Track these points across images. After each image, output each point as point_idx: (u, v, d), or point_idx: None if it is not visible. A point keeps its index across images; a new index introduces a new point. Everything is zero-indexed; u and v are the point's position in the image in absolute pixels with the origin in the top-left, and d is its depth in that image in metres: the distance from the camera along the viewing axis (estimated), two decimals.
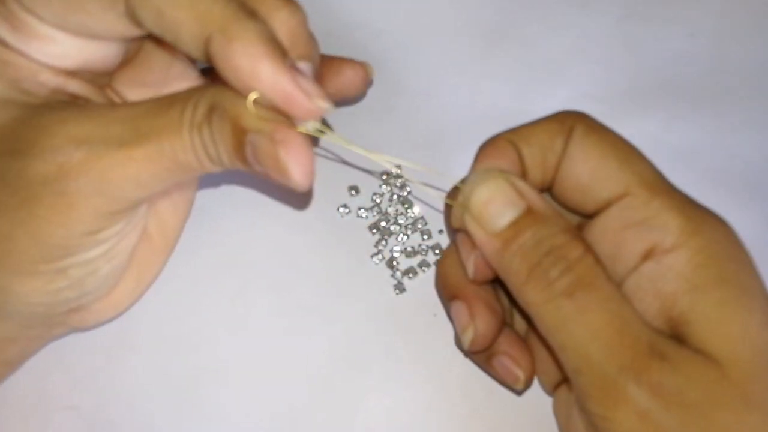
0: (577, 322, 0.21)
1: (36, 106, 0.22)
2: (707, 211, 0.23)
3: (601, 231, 0.24)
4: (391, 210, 0.33)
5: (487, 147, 0.26)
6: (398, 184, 0.33)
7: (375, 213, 0.33)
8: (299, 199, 0.30)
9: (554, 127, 0.25)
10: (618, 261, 0.24)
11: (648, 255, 0.23)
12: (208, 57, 0.20)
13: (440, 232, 0.33)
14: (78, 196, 0.21)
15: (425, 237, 0.33)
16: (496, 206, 0.23)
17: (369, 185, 0.33)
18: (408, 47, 0.37)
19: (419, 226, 0.33)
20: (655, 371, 0.20)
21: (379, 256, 0.33)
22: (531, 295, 0.22)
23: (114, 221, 0.23)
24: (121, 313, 0.29)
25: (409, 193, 0.33)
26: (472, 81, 0.36)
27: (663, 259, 0.22)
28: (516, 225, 0.23)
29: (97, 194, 0.21)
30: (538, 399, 0.29)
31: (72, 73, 0.24)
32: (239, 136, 0.20)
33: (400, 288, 0.32)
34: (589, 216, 0.25)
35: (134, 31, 0.22)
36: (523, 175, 0.25)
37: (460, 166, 0.31)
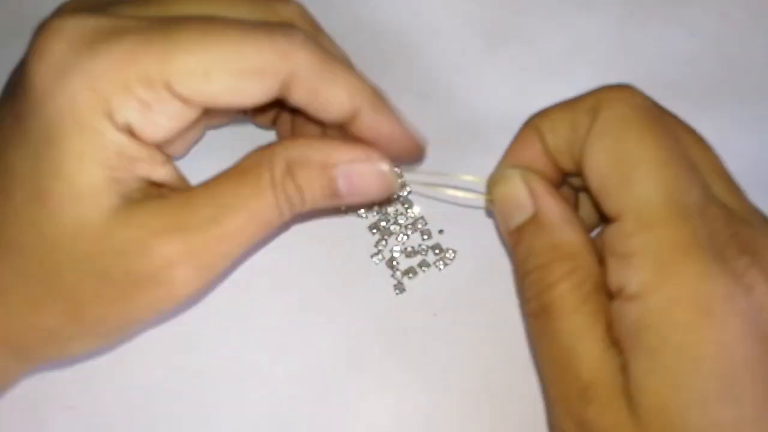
0: (538, 342, 0.23)
1: (126, 197, 0.23)
2: (691, 264, 0.20)
3: (601, 243, 0.23)
4: (391, 210, 0.33)
5: (517, 135, 0.25)
6: (398, 185, 0.33)
7: (375, 213, 0.33)
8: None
9: (578, 117, 0.23)
10: (608, 279, 0.22)
11: (618, 294, 0.21)
12: (345, 122, 0.25)
13: (440, 232, 0.33)
14: (180, 283, 0.23)
15: (425, 237, 0.33)
16: (509, 207, 0.24)
17: None
18: (408, 47, 0.37)
19: (419, 226, 0.33)
20: (583, 411, 0.21)
21: (379, 256, 0.33)
22: (522, 299, 0.23)
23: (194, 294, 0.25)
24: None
25: (409, 193, 0.33)
26: (472, 81, 0.36)
27: (624, 305, 0.21)
28: (520, 230, 0.23)
29: (197, 277, 0.23)
30: (538, 399, 0.29)
31: (163, 160, 0.24)
32: (330, 174, 0.24)
33: (400, 288, 0.32)
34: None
35: (263, 103, 0.24)
36: (550, 165, 0.24)
37: (460, 166, 0.32)
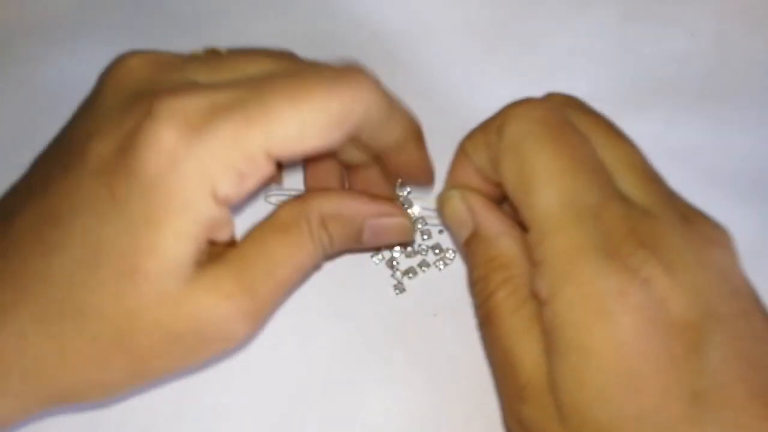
0: (486, 349, 0.25)
1: (198, 262, 0.23)
2: (585, 266, 0.21)
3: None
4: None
5: (453, 158, 0.28)
6: (398, 184, 0.33)
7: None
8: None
9: (490, 138, 0.25)
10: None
11: (535, 297, 0.23)
12: (392, 158, 0.28)
13: (440, 232, 0.33)
14: (241, 337, 0.25)
15: (425, 237, 0.33)
16: (454, 226, 0.27)
17: None
18: (408, 47, 0.37)
19: (419, 226, 0.33)
20: (520, 411, 0.23)
21: (379, 256, 0.33)
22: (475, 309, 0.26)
23: None
24: None
25: (409, 193, 0.33)
26: (472, 81, 0.36)
27: (542, 309, 0.22)
28: (466, 245, 0.26)
29: (253, 329, 0.25)
30: None
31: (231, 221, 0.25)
32: (357, 227, 0.27)
33: (400, 288, 0.32)
34: None
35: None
36: (484, 182, 0.26)
37: None
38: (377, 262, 0.32)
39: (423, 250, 0.33)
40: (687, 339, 0.20)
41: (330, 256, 0.27)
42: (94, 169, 0.23)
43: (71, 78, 0.38)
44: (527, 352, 0.23)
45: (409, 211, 0.33)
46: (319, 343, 0.31)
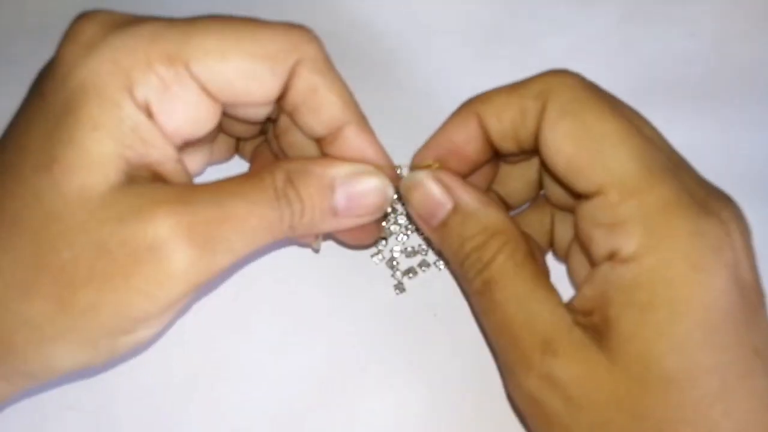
0: (488, 316, 0.24)
1: (131, 177, 0.23)
2: (685, 222, 0.21)
3: (580, 218, 0.24)
4: (391, 210, 0.33)
5: (453, 118, 0.26)
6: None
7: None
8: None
9: (526, 103, 0.24)
10: (589, 252, 0.24)
11: (609, 257, 0.22)
12: (330, 137, 0.26)
13: None
14: (177, 261, 0.22)
15: (424, 238, 0.33)
16: (428, 208, 0.26)
17: None
18: (408, 47, 0.37)
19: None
20: (544, 365, 0.22)
21: (379, 256, 0.33)
22: (462, 285, 0.25)
23: (192, 294, 0.24)
24: None
25: None
26: (472, 81, 0.36)
27: (618, 267, 0.22)
28: (445, 225, 0.25)
29: (194, 258, 0.22)
30: None
31: (175, 150, 0.24)
32: (329, 185, 0.25)
33: (400, 288, 0.32)
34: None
35: (270, 103, 0.25)
36: (481, 146, 0.26)
37: None
38: (377, 262, 0.32)
39: (423, 250, 0.33)
40: (753, 299, 0.22)
41: (300, 227, 0.25)
42: (34, 85, 0.24)
43: None
44: (541, 308, 0.23)
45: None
46: (320, 343, 0.31)
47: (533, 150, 0.25)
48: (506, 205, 0.30)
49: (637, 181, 0.22)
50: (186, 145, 0.25)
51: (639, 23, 0.38)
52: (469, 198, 0.25)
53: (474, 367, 0.30)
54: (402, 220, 0.33)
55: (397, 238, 0.33)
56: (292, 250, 0.32)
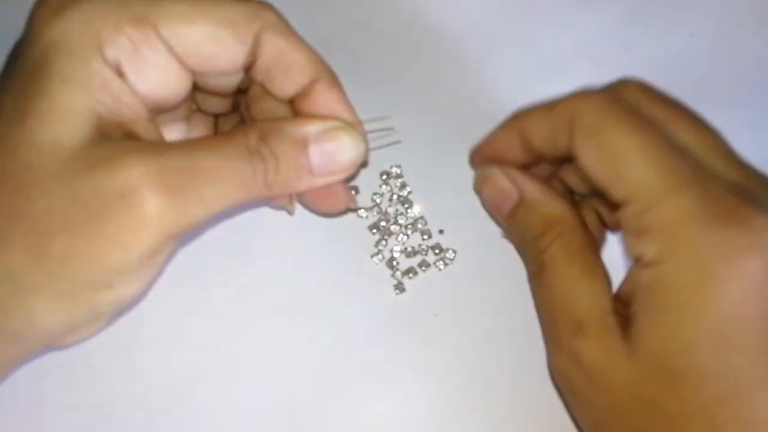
0: (537, 297, 0.27)
1: (104, 133, 0.23)
2: (695, 231, 0.22)
3: (621, 221, 0.25)
4: (391, 210, 0.33)
5: (502, 128, 0.29)
6: (398, 184, 0.33)
7: (375, 213, 0.33)
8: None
9: (556, 122, 0.26)
10: (626, 250, 0.25)
11: (636, 260, 0.24)
12: (301, 96, 0.27)
13: (440, 232, 0.33)
14: (149, 208, 0.22)
15: (425, 237, 0.33)
16: (498, 199, 0.29)
17: (369, 185, 0.34)
18: (408, 47, 0.37)
19: (419, 226, 0.33)
20: (574, 344, 0.24)
21: (379, 256, 0.33)
22: (526, 267, 0.28)
23: (168, 246, 0.24)
24: (96, 334, 0.28)
25: (409, 193, 0.33)
26: (472, 81, 0.36)
27: (641, 270, 0.24)
28: (512, 214, 0.28)
29: (167, 206, 0.22)
30: (538, 400, 0.29)
31: (148, 113, 0.25)
32: (302, 142, 0.25)
33: (400, 288, 0.32)
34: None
35: (238, 70, 0.26)
36: (525, 152, 0.28)
37: (460, 164, 0.32)
38: (377, 262, 0.32)
39: (423, 250, 0.33)
40: None
41: (275, 186, 0.25)
42: (11, 51, 0.25)
43: None
44: (582, 293, 0.25)
45: (409, 211, 0.33)
46: (320, 343, 0.31)
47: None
48: (573, 193, 0.31)
49: (656, 192, 0.23)
50: (159, 113, 0.26)
51: (639, 23, 0.38)
52: (533, 191, 0.28)
53: (474, 367, 0.30)
54: (402, 220, 0.33)
55: (397, 238, 0.33)
56: (293, 250, 0.32)
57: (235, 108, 0.30)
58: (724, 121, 0.36)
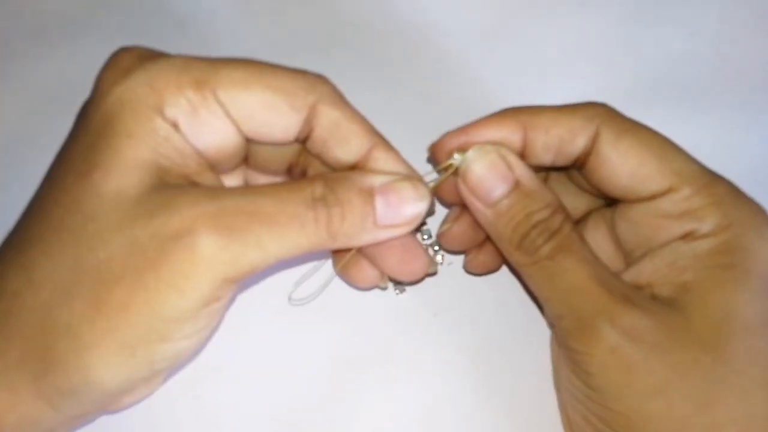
0: (560, 278, 0.25)
1: (167, 183, 0.24)
2: (745, 205, 0.25)
3: (638, 214, 0.27)
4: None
5: (492, 119, 0.27)
6: None
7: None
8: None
9: (578, 123, 0.26)
10: (651, 240, 0.26)
11: (683, 237, 0.25)
12: (357, 163, 0.27)
13: None
14: (204, 251, 0.22)
15: (425, 237, 0.33)
16: (490, 181, 0.26)
17: None
18: (408, 47, 0.37)
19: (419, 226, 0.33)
20: (627, 315, 0.24)
21: None
22: (521, 258, 0.26)
23: (224, 292, 0.24)
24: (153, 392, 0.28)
25: None
26: (473, 81, 0.36)
27: (692, 242, 0.25)
28: (508, 199, 0.26)
29: (222, 249, 0.22)
30: (538, 399, 0.29)
31: (208, 167, 0.26)
32: (366, 191, 0.25)
33: (400, 288, 0.32)
34: (615, 198, 0.27)
35: (291, 140, 0.26)
36: (521, 153, 0.27)
37: None
38: None
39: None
40: None
41: (341, 234, 0.25)
42: (80, 110, 0.26)
43: (71, 78, 0.38)
44: (608, 272, 0.25)
45: None
46: (320, 343, 0.31)
47: (562, 167, 0.28)
48: None
49: (703, 178, 0.26)
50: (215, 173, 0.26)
51: (639, 23, 0.38)
52: (530, 176, 0.26)
53: (474, 367, 0.30)
54: None
55: None
56: None
57: (290, 172, 0.30)
58: (724, 120, 0.36)
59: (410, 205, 0.26)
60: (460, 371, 0.30)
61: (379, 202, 0.25)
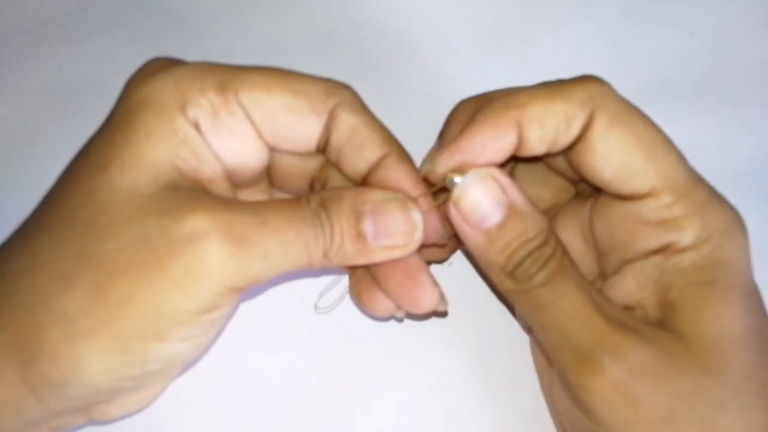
0: (554, 306, 0.24)
1: (181, 185, 0.24)
2: (724, 214, 0.24)
3: (617, 215, 0.26)
4: None
5: (486, 125, 0.25)
6: None
7: None
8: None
9: (573, 110, 0.24)
10: (628, 247, 0.26)
11: (661, 250, 0.25)
12: (372, 170, 0.26)
13: None
14: (215, 256, 0.23)
15: None
16: (484, 208, 0.25)
17: None
18: (408, 47, 0.37)
19: None
20: (627, 345, 0.23)
21: None
22: (512, 286, 0.25)
23: (226, 301, 0.24)
24: (142, 409, 0.27)
25: None
26: (472, 81, 0.36)
27: (673, 257, 0.24)
28: (502, 226, 0.25)
29: (229, 258, 0.23)
30: (537, 399, 0.29)
31: (226, 174, 0.26)
32: (358, 210, 0.25)
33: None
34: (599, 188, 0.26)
35: (312, 147, 0.27)
36: (519, 148, 0.25)
37: None
38: None
39: None
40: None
41: (332, 255, 0.25)
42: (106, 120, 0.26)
43: (71, 78, 0.38)
44: (604, 297, 0.25)
45: None
46: (320, 343, 0.31)
47: (555, 154, 0.26)
48: None
49: (686, 184, 0.24)
50: (235, 183, 0.26)
51: (639, 23, 0.38)
52: (523, 199, 0.25)
53: (474, 367, 0.30)
54: None
55: None
56: None
57: (311, 188, 0.30)
58: (724, 120, 0.36)
59: (397, 224, 0.25)
60: (460, 371, 0.30)
61: (368, 223, 0.25)
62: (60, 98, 0.37)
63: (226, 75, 0.25)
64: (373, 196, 0.25)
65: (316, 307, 0.30)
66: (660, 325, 0.24)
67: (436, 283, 0.27)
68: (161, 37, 0.39)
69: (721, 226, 0.24)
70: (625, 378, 0.23)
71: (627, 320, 0.24)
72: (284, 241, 0.24)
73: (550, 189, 0.29)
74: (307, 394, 0.30)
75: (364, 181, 0.27)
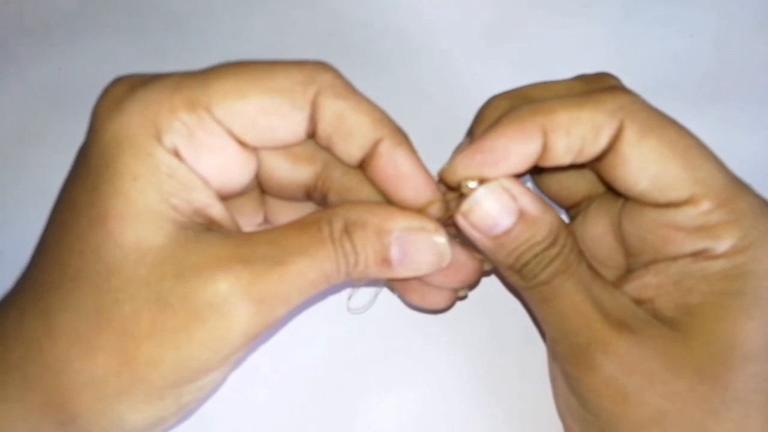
0: (554, 303, 0.25)
1: (184, 226, 0.23)
2: (763, 221, 0.24)
3: (649, 220, 0.25)
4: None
5: (511, 130, 0.25)
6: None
7: None
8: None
9: (601, 119, 0.24)
10: (659, 250, 0.25)
11: (693, 255, 0.24)
12: (365, 157, 0.25)
13: None
14: (238, 318, 0.22)
15: None
16: (494, 217, 0.25)
17: None
18: (408, 47, 0.37)
19: None
20: (621, 343, 0.23)
21: None
22: (518, 282, 0.26)
23: (251, 343, 0.24)
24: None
25: None
26: (473, 81, 0.36)
27: (702, 262, 0.24)
28: (510, 232, 0.25)
29: (255, 314, 0.23)
30: (538, 400, 0.29)
31: (217, 195, 0.25)
32: (384, 239, 0.25)
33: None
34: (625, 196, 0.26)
35: (301, 140, 0.25)
36: (544, 158, 0.25)
37: None
38: None
39: None
40: None
41: (355, 275, 0.25)
42: (80, 147, 0.24)
43: (71, 78, 0.38)
44: (606, 293, 0.25)
45: None
46: (319, 343, 0.31)
47: (580, 165, 0.26)
48: None
49: (726, 191, 0.24)
50: (227, 198, 0.26)
51: (639, 23, 0.38)
52: (535, 205, 0.25)
53: (474, 367, 0.30)
54: None
55: None
56: None
57: (308, 196, 0.29)
58: (724, 120, 0.36)
59: (425, 255, 0.25)
60: (460, 371, 0.30)
61: (395, 251, 0.25)
62: (60, 98, 0.37)
63: (195, 90, 0.23)
64: (398, 224, 0.25)
65: (348, 308, 0.30)
66: (670, 324, 0.24)
67: (453, 295, 0.28)
68: (161, 37, 0.39)
69: (761, 236, 0.23)
70: (617, 375, 0.23)
71: (627, 319, 0.24)
72: (306, 282, 0.24)
73: (586, 180, 0.29)
74: (307, 394, 0.30)
75: (362, 168, 0.26)
